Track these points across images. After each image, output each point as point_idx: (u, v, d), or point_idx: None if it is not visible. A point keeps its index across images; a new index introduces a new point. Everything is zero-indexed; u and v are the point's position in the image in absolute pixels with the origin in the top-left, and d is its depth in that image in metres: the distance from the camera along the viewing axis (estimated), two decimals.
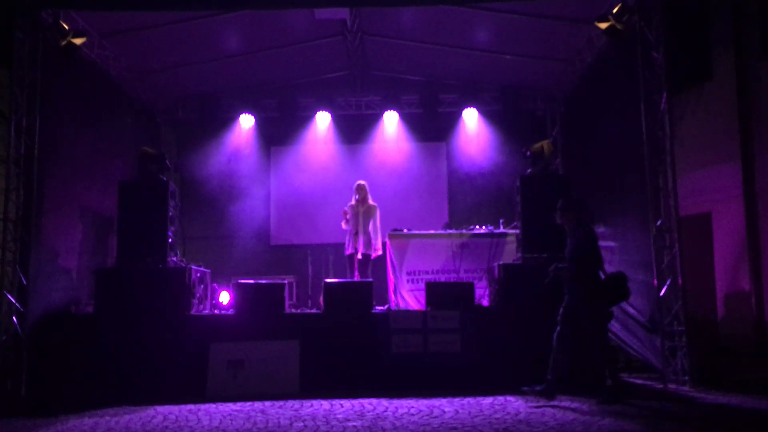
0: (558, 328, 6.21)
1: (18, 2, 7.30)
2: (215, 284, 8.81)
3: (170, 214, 7.98)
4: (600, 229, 9.12)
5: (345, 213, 8.96)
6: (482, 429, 5.11)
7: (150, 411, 6.11)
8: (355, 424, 5.40)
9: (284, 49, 10.16)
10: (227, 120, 11.44)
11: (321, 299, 7.82)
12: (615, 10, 7.55)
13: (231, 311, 7.95)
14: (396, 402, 6.30)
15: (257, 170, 11.73)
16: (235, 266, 10.71)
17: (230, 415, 5.90)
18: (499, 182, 10.75)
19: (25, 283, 7.12)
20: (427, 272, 9.23)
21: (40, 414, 6.03)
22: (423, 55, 10.51)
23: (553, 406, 5.97)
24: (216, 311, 8.34)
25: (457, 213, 11.30)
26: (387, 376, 7.08)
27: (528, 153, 8.28)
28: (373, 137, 11.68)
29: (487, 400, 6.33)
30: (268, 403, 6.41)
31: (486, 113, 11.31)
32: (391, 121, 11.48)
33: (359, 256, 8.84)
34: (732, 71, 9.37)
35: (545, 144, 8.28)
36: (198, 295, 8.00)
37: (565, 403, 6.12)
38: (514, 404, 6.13)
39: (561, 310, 6.24)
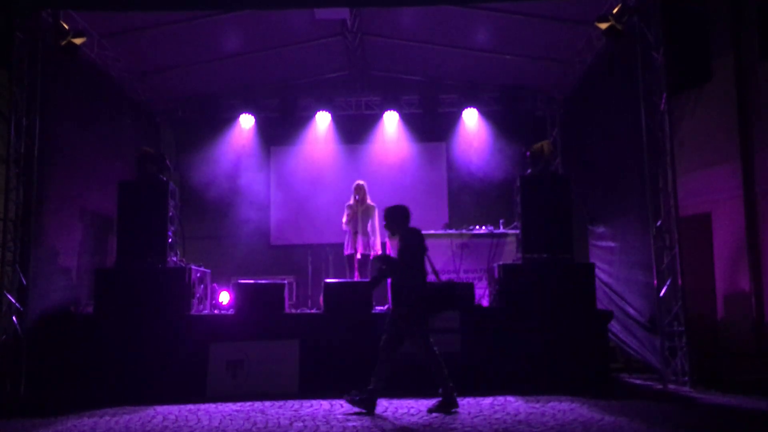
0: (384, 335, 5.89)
1: (18, 2, 7.29)
2: (215, 284, 8.81)
3: (170, 213, 7.98)
4: (600, 230, 9.15)
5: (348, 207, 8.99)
6: (482, 429, 5.11)
7: (150, 411, 6.10)
8: (354, 424, 5.40)
9: (284, 49, 10.16)
10: (227, 120, 11.44)
11: (321, 299, 7.83)
12: (615, 11, 7.55)
13: (231, 311, 7.95)
14: (396, 402, 6.30)
15: (257, 170, 11.72)
16: (235, 266, 10.71)
17: (230, 415, 5.90)
18: (499, 182, 10.73)
19: (24, 283, 7.12)
20: (427, 272, 9.21)
21: (40, 414, 6.02)
22: (423, 55, 10.51)
23: (552, 406, 5.98)
24: (216, 311, 8.34)
25: (457, 213, 11.28)
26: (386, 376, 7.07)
27: (528, 153, 8.29)
28: (373, 137, 11.68)
29: (487, 400, 6.33)
30: (267, 403, 6.41)
31: (486, 113, 11.31)
32: (391, 121, 11.47)
33: (358, 256, 8.86)
34: (731, 72, 9.37)
35: (545, 144, 8.29)
36: (198, 295, 8.00)
37: (565, 404, 6.12)
38: (514, 404, 6.13)
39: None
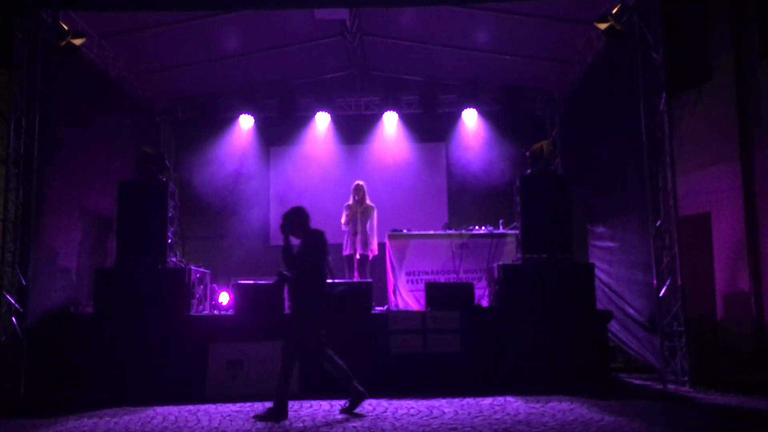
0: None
1: (18, 3, 7.29)
2: (215, 285, 8.80)
3: (170, 214, 7.98)
4: (600, 230, 9.15)
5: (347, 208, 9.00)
6: (482, 429, 5.11)
7: (149, 411, 6.10)
8: (354, 424, 5.40)
9: (284, 49, 10.16)
10: (227, 120, 11.44)
11: None
12: (614, 11, 7.55)
13: (230, 312, 7.95)
14: (396, 402, 6.30)
15: (257, 170, 11.72)
16: (235, 266, 10.69)
17: (230, 415, 5.90)
18: (498, 182, 10.73)
19: (24, 283, 7.11)
20: (426, 272, 9.23)
21: (39, 414, 6.02)
22: (422, 55, 10.51)
23: (553, 407, 5.98)
24: (215, 312, 8.33)
25: (456, 213, 11.29)
26: (386, 377, 7.08)
27: (527, 153, 8.29)
28: (373, 137, 11.68)
29: (487, 401, 6.32)
30: (268, 404, 6.36)
31: (485, 113, 11.31)
32: (390, 121, 11.47)
33: (357, 256, 8.86)
34: (731, 71, 9.38)
35: (545, 144, 8.29)
36: (197, 295, 8.00)
37: (565, 404, 6.12)
38: (514, 404, 6.13)
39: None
